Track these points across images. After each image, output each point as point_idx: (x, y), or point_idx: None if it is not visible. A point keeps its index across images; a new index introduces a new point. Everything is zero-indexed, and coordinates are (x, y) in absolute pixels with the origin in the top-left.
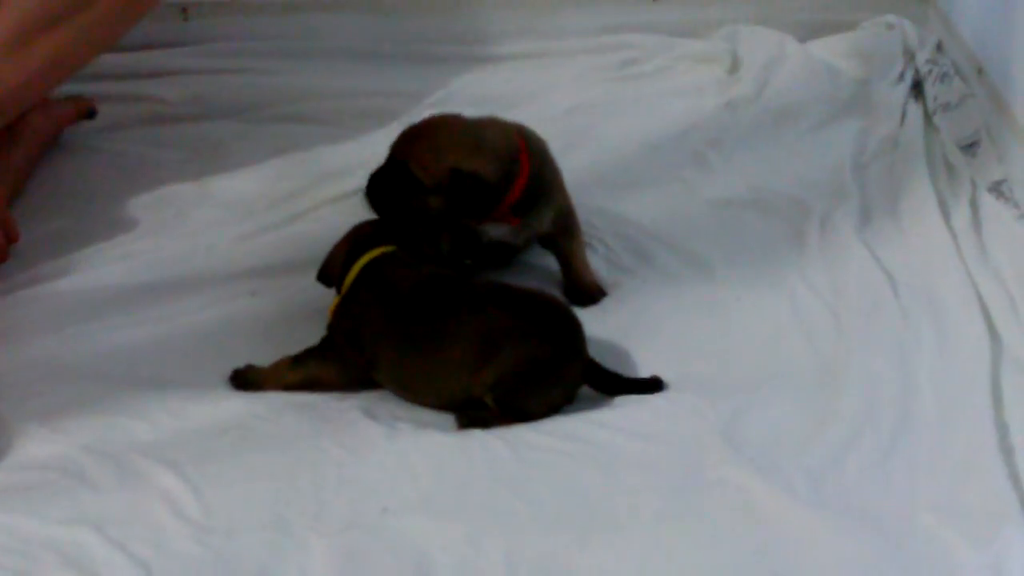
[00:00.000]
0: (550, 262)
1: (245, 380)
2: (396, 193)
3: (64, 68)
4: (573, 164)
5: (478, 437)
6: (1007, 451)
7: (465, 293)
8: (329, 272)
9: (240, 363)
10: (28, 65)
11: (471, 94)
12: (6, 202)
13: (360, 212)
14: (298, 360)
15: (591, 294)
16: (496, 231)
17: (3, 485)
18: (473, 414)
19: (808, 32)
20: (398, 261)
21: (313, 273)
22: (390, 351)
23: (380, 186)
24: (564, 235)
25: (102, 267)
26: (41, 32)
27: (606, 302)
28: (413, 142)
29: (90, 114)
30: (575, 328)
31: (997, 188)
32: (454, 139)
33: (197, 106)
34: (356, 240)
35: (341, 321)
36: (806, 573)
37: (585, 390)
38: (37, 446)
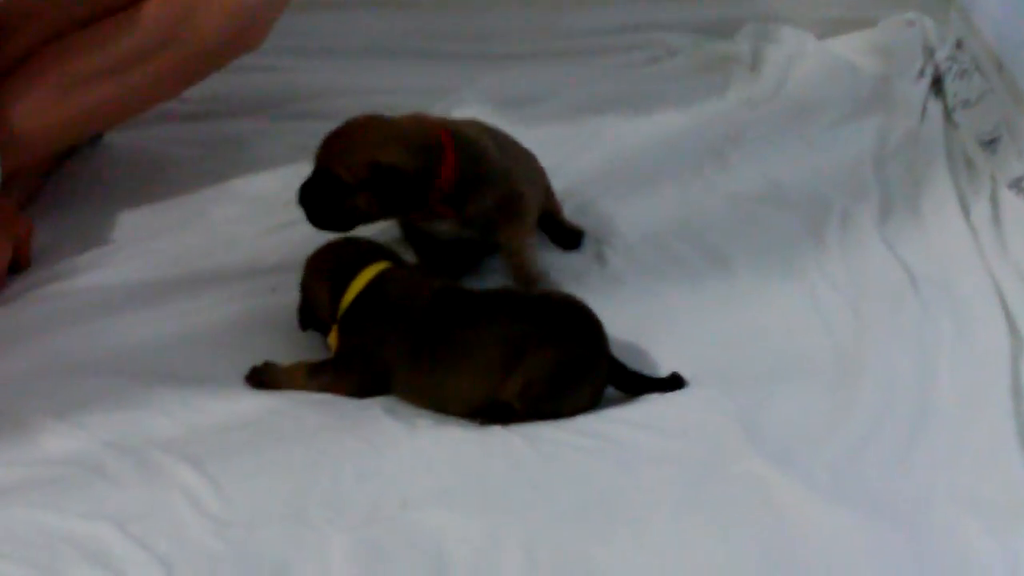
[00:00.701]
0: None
1: (261, 380)
2: (326, 199)
3: (100, 121)
4: (590, 161)
5: (497, 433)
6: None
7: (480, 303)
8: (316, 313)
9: (260, 359)
10: (67, 112)
11: (490, 91)
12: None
13: None
14: (314, 371)
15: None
16: (442, 226)
17: (25, 480)
18: (495, 412)
19: (828, 29)
20: (400, 278)
21: None
22: (409, 367)
23: (310, 195)
24: (505, 218)
25: (123, 264)
26: (92, 81)
27: (625, 296)
28: (332, 146)
29: (95, 137)
30: (597, 328)
31: (1017, 184)
32: (369, 136)
33: (216, 104)
34: (334, 269)
35: (353, 344)
36: (824, 565)
37: (608, 389)
38: (58, 441)
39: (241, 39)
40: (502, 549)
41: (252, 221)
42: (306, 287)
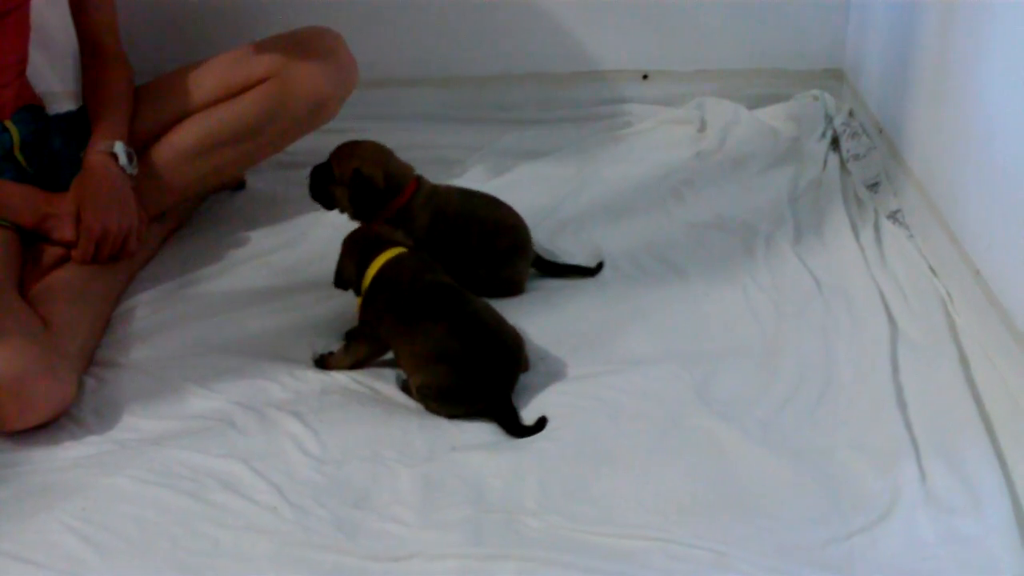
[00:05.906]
0: None
1: (322, 363)
2: (321, 181)
3: (220, 177)
4: (585, 199)
5: None
6: (902, 406)
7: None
8: (345, 279)
9: (338, 342)
10: (199, 170)
11: (511, 147)
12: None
13: None
14: (346, 349)
15: None
16: None
17: (177, 430)
18: None
19: (756, 102)
20: (405, 263)
21: None
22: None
23: (314, 175)
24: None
25: (246, 273)
26: (217, 148)
27: (610, 295)
28: (339, 149)
29: (240, 185)
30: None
31: (893, 216)
32: (363, 153)
33: (315, 156)
34: (361, 249)
35: (361, 320)
36: (755, 493)
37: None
38: (201, 402)
39: (317, 117)
40: (524, 481)
41: (339, 242)
42: (341, 262)
